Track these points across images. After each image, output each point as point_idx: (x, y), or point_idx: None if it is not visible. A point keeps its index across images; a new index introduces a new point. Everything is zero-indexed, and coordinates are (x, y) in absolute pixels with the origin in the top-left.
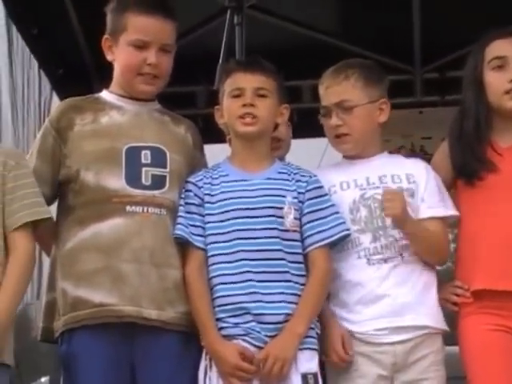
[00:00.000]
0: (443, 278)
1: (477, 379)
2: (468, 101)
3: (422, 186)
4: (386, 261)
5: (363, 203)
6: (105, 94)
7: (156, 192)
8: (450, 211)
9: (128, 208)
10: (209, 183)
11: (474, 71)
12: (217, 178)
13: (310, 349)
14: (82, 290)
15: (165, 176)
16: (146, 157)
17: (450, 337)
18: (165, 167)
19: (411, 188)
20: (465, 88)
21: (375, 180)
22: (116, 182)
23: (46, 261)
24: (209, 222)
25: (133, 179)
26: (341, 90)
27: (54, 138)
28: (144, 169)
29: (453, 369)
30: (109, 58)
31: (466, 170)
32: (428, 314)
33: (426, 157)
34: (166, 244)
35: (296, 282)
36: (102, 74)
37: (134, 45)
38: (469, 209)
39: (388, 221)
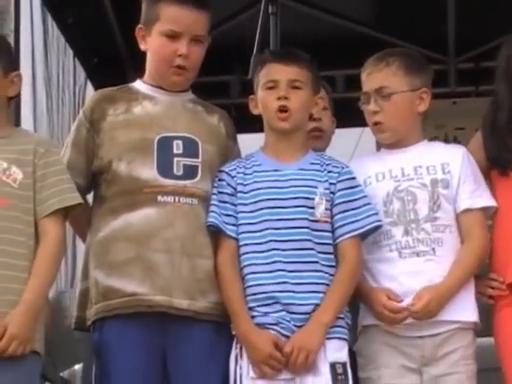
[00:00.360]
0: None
1: None
2: (501, 93)
3: (457, 176)
4: (417, 254)
5: (397, 196)
6: (138, 84)
7: (188, 182)
8: (486, 201)
9: (159, 198)
10: (242, 173)
11: (508, 63)
12: (250, 168)
13: (338, 338)
14: (113, 280)
15: (197, 166)
16: (177, 147)
17: (483, 328)
18: (197, 157)
19: (446, 178)
20: (498, 79)
21: (410, 171)
22: (148, 172)
23: (80, 248)
24: (241, 212)
25: (164, 169)
26: (381, 76)
27: (87, 130)
28: (176, 159)
29: (485, 360)
30: (142, 47)
31: (499, 162)
32: (459, 309)
33: None
34: (197, 234)
35: (326, 273)
36: (137, 63)
37: (167, 35)
38: (503, 200)
39: (421, 214)
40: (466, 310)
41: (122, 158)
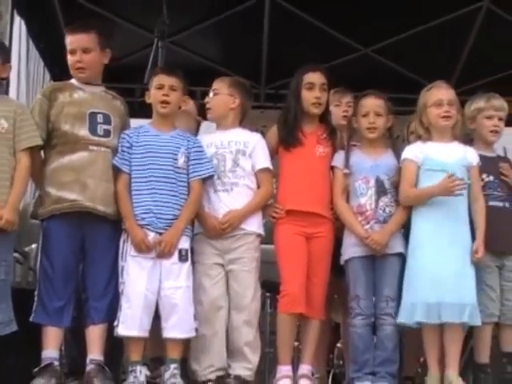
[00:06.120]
0: None
1: (283, 263)
2: (291, 104)
3: (251, 148)
4: (223, 191)
5: (215, 157)
6: (73, 81)
7: (105, 139)
8: (262, 164)
9: (90, 147)
10: (136, 135)
11: (296, 88)
12: (142, 133)
13: (185, 235)
14: (61, 192)
15: (110, 130)
16: (100, 118)
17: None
18: (110, 124)
19: (244, 150)
20: (289, 97)
21: (226, 143)
22: (83, 131)
23: None
24: (134, 158)
25: (93, 131)
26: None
27: (47, 105)
28: (99, 125)
29: (268, 256)
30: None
31: (286, 142)
32: (248, 222)
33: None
34: (109, 169)
35: (181, 198)
36: None
37: (69, 52)
38: (286, 164)
39: (226, 168)
40: (251, 224)
41: (67, 122)
